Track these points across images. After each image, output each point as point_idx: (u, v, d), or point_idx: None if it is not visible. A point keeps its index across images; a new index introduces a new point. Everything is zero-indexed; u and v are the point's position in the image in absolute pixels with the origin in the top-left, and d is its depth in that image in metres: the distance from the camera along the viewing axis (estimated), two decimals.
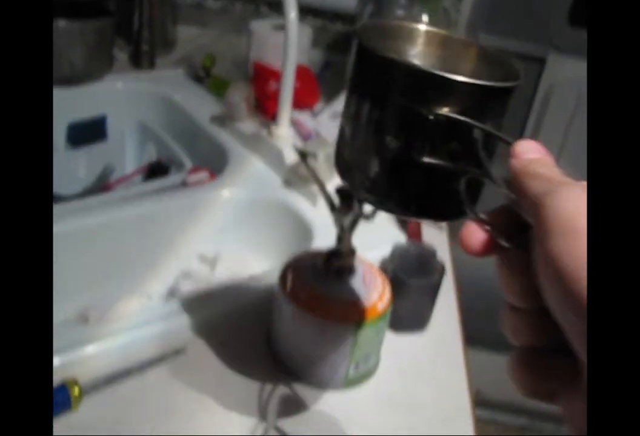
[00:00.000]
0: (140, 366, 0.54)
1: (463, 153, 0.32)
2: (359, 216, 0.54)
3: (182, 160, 0.89)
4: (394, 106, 0.33)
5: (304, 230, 0.76)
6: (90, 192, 0.91)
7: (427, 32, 0.39)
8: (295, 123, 0.92)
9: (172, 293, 0.78)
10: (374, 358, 0.59)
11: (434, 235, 0.81)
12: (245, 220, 0.82)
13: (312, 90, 1.00)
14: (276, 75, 0.99)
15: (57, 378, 0.50)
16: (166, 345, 0.57)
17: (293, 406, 0.55)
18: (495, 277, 0.28)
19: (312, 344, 0.55)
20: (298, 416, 0.54)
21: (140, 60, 1.11)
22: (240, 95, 0.89)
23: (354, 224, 0.54)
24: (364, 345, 0.55)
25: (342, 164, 0.38)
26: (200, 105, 1.00)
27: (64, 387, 0.49)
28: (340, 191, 0.54)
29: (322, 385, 0.57)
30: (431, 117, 0.31)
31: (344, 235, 0.54)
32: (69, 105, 0.96)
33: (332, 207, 0.55)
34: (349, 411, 0.55)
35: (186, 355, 0.57)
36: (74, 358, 0.54)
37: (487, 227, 0.28)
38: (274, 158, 0.85)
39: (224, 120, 0.95)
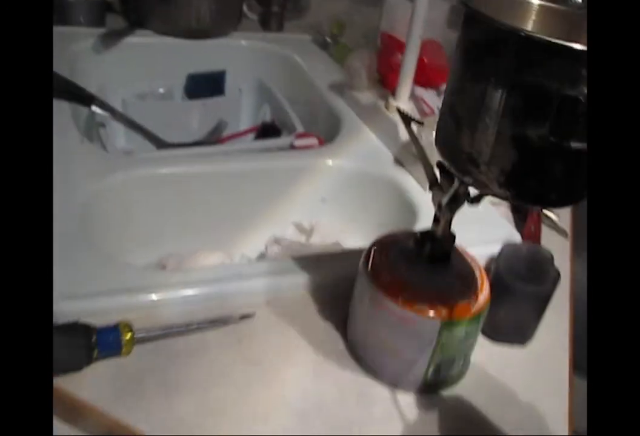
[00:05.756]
0: (199, 323, 0.51)
1: None
2: (462, 197, 0.46)
3: (294, 124, 0.85)
4: (536, 89, 0.31)
5: (409, 212, 0.69)
6: (200, 144, 0.90)
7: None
8: (417, 99, 0.85)
9: (259, 258, 0.74)
10: (460, 365, 0.51)
11: (556, 241, 0.71)
12: (348, 193, 0.76)
13: (441, 67, 0.92)
14: (404, 48, 0.93)
15: (112, 320, 0.48)
16: (234, 306, 0.53)
17: (354, 399, 0.48)
18: None
19: (389, 335, 0.48)
20: (357, 411, 0.48)
21: (269, 22, 1.09)
22: (361, 61, 0.84)
23: (455, 205, 0.47)
24: (448, 347, 0.48)
25: (460, 159, 0.35)
26: (322, 71, 0.96)
27: (116, 328, 0.46)
28: (441, 164, 0.47)
29: (394, 383, 0.50)
30: (581, 98, 0.29)
31: (441, 215, 0.47)
32: (191, 57, 0.96)
33: (433, 181, 0.48)
34: (417, 419, 0.48)
35: (253, 320, 0.53)
36: (134, 302, 0.51)
37: None
38: (389, 132, 0.78)
39: (343, 88, 0.89)
